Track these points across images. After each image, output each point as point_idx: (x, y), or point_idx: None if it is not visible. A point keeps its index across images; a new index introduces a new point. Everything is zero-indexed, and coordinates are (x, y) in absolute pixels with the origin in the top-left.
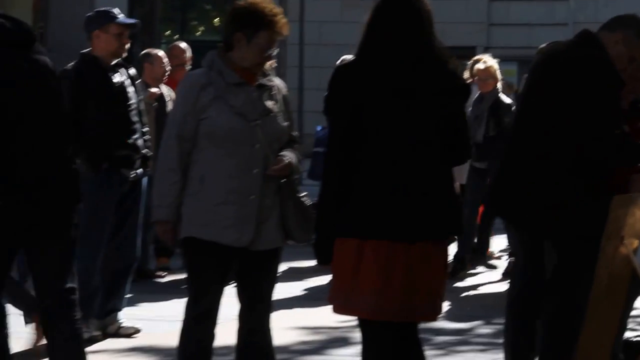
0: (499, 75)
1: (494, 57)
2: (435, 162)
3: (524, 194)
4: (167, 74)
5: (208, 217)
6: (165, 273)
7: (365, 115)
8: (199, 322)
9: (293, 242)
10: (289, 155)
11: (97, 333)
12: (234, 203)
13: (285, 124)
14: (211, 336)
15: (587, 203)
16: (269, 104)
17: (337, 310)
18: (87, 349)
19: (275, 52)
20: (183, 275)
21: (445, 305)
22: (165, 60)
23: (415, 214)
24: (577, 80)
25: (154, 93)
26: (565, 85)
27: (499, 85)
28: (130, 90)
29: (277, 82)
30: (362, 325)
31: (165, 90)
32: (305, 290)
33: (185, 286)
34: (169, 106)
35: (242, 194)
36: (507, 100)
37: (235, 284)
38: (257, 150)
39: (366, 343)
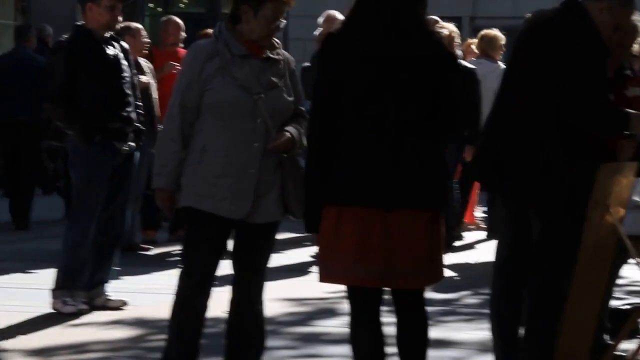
0: (459, 40)
1: (480, 27)
2: (417, 132)
3: (510, 162)
4: (146, 46)
5: (206, 188)
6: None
7: (346, 84)
8: (193, 293)
9: (292, 217)
10: (290, 130)
11: (83, 306)
12: (232, 176)
13: (290, 98)
14: (204, 307)
15: (573, 171)
16: (274, 78)
17: (321, 278)
18: (74, 321)
19: (282, 23)
20: (169, 248)
21: None
22: (144, 32)
23: (391, 182)
24: (563, 48)
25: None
26: (551, 53)
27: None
28: (124, 63)
29: (286, 55)
30: (349, 293)
31: (144, 64)
32: (290, 262)
33: (175, 258)
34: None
35: (241, 167)
36: (469, 65)
37: (230, 256)
38: (259, 124)
39: (352, 311)
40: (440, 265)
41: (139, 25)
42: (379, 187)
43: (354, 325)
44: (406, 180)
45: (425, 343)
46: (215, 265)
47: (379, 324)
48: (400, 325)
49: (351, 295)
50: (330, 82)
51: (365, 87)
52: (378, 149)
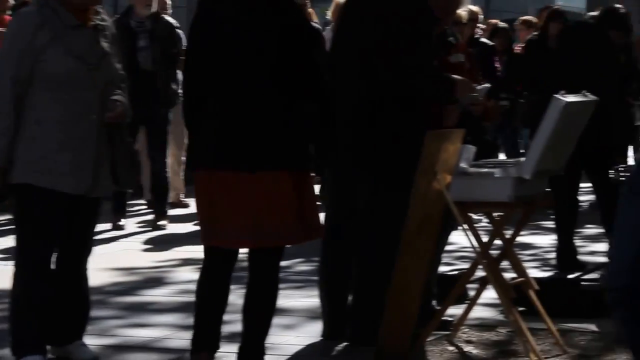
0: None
1: None
2: (277, 98)
3: (337, 129)
4: None
5: (44, 163)
6: None
7: (209, 53)
8: (35, 271)
9: (122, 188)
10: (122, 100)
11: None
12: (71, 150)
13: (119, 65)
14: (45, 281)
15: (400, 138)
16: (105, 45)
17: (202, 240)
18: None
19: None
20: None
21: None
22: None
23: (255, 145)
24: (390, 15)
25: None
26: (378, 20)
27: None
28: None
29: (107, 19)
30: (205, 254)
31: None
32: (118, 231)
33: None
34: None
35: (79, 140)
36: None
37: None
38: (95, 95)
39: (205, 272)
40: (314, 223)
41: None
42: (242, 150)
43: (202, 284)
44: (269, 144)
45: (273, 302)
46: (54, 241)
47: (227, 288)
48: (251, 283)
49: (207, 257)
50: (199, 48)
51: (230, 55)
52: (241, 114)
